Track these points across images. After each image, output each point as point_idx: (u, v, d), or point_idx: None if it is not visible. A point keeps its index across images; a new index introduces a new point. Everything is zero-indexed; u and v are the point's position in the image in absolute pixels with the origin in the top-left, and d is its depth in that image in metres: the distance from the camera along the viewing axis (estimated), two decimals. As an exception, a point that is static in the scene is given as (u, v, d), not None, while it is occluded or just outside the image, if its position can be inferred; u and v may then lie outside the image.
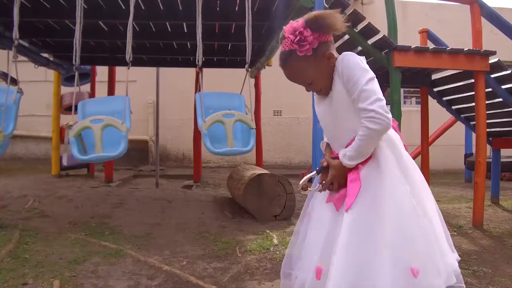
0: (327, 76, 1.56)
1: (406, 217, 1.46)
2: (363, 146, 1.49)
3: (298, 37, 1.47)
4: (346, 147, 1.56)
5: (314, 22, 1.48)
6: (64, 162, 3.74)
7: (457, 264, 1.55)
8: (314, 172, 1.64)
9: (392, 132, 1.57)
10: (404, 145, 1.64)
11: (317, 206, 1.68)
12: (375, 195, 1.47)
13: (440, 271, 1.44)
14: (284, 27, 1.52)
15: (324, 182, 1.60)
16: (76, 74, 3.76)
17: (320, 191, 1.62)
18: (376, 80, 1.48)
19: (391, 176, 1.49)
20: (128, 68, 3.72)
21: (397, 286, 1.38)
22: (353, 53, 1.52)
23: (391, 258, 1.40)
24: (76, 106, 3.86)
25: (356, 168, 1.53)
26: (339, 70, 1.51)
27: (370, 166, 1.52)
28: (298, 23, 1.49)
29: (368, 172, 1.51)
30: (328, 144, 1.73)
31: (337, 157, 1.60)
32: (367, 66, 1.50)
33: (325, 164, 1.61)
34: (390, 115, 1.45)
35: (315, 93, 1.69)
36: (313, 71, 1.54)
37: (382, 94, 1.46)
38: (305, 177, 1.62)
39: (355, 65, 1.49)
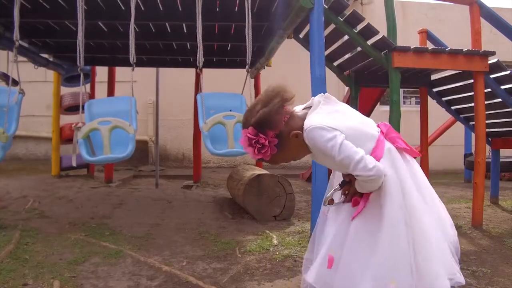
0: (303, 148, 1.58)
1: (395, 243, 1.51)
2: (367, 189, 1.57)
3: (256, 147, 1.47)
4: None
5: (263, 124, 1.47)
6: (73, 163, 3.76)
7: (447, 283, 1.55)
8: (338, 186, 1.71)
9: (389, 144, 1.61)
10: (404, 141, 1.67)
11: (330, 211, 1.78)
12: (375, 216, 1.56)
13: None
14: (240, 141, 1.52)
15: (346, 193, 1.68)
16: (81, 75, 3.77)
17: (344, 202, 1.69)
18: (344, 140, 1.48)
19: (391, 199, 1.54)
20: (133, 70, 3.73)
21: None
22: (313, 126, 1.50)
23: (373, 278, 1.49)
24: (83, 106, 3.87)
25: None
26: (309, 145, 1.53)
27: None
28: (249, 131, 1.47)
29: (374, 192, 1.59)
30: None
31: None
32: (331, 133, 1.48)
33: (347, 179, 1.67)
34: (374, 169, 1.48)
35: None
36: (288, 154, 1.57)
37: (356, 152, 1.47)
38: (330, 193, 1.71)
39: (320, 140, 1.48)
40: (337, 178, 1.82)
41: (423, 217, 1.58)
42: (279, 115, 1.49)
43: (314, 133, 1.49)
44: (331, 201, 1.70)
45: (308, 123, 1.52)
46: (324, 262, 1.63)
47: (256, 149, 1.48)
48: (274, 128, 1.49)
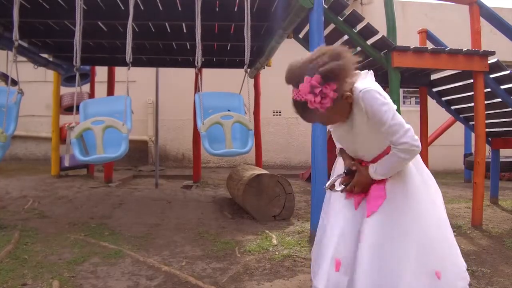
0: (344, 113, 1.59)
1: (429, 225, 1.58)
2: (394, 168, 1.60)
3: (319, 96, 1.44)
4: (371, 161, 1.66)
5: (332, 76, 1.44)
6: (66, 163, 3.76)
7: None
8: (343, 173, 1.72)
9: None
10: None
11: (334, 204, 1.78)
12: (401, 204, 1.59)
13: (462, 272, 1.60)
14: (300, 85, 1.45)
15: (346, 183, 1.71)
16: (77, 75, 3.77)
17: (342, 191, 1.71)
18: (395, 109, 1.54)
19: (414, 187, 1.62)
20: (128, 69, 3.72)
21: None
22: (370, 88, 1.51)
23: (416, 263, 1.52)
24: (77, 107, 3.87)
25: (381, 180, 1.65)
26: (361, 106, 1.53)
27: (395, 178, 1.63)
28: (313, 79, 1.43)
29: (393, 183, 1.63)
30: (344, 150, 1.80)
31: (363, 164, 1.69)
32: (385, 98, 1.52)
33: (354, 168, 1.68)
34: (419, 142, 1.54)
35: None
36: (332, 114, 1.55)
37: (405, 122, 1.53)
38: (333, 178, 1.72)
39: (377, 102, 1.50)
40: (340, 166, 1.81)
41: (442, 206, 1.67)
42: (349, 71, 1.48)
43: (371, 94, 1.50)
44: (332, 187, 1.70)
45: (362, 86, 1.53)
46: (332, 266, 1.63)
47: (318, 97, 1.44)
48: (338, 82, 1.46)
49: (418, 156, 1.68)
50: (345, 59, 1.47)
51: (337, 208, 1.74)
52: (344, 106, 1.55)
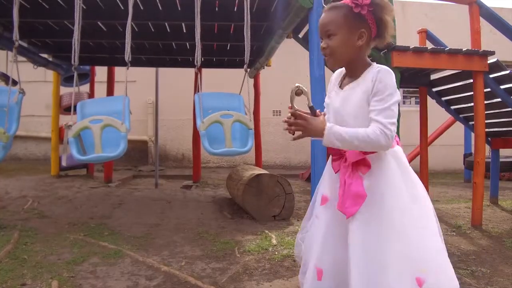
0: (348, 48, 1.59)
1: (411, 228, 1.49)
2: (360, 143, 1.48)
3: None
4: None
5: (377, 4, 1.54)
6: (63, 163, 3.76)
7: None
8: (311, 106, 1.58)
9: (397, 147, 1.62)
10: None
11: (319, 209, 1.73)
12: (381, 207, 1.50)
13: (449, 280, 1.49)
14: None
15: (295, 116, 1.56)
16: (75, 74, 3.77)
17: (290, 108, 1.56)
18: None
19: (396, 189, 1.53)
20: (127, 69, 3.72)
21: None
22: (389, 69, 1.56)
23: (398, 269, 1.44)
24: (75, 107, 3.87)
25: (358, 177, 1.54)
26: (372, 77, 1.53)
27: (374, 178, 1.54)
28: None
29: (372, 183, 1.53)
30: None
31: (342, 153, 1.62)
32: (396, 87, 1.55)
33: (318, 114, 1.59)
34: (392, 138, 1.50)
35: (336, 83, 1.70)
36: (341, 30, 1.57)
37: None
38: (296, 92, 1.56)
39: (390, 82, 1.53)
40: (327, 171, 1.76)
41: (430, 209, 1.58)
42: (386, 24, 1.57)
43: (389, 72, 1.55)
44: (299, 92, 1.54)
45: (381, 66, 1.59)
46: (314, 276, 1.59)
47: None
48: (376, 13, 1.55)
49: (403, 157, 1.61)
50: (391, 21, 1.58)
51: (321, 215, 1.68)
52: (352, 40, 1.57)
